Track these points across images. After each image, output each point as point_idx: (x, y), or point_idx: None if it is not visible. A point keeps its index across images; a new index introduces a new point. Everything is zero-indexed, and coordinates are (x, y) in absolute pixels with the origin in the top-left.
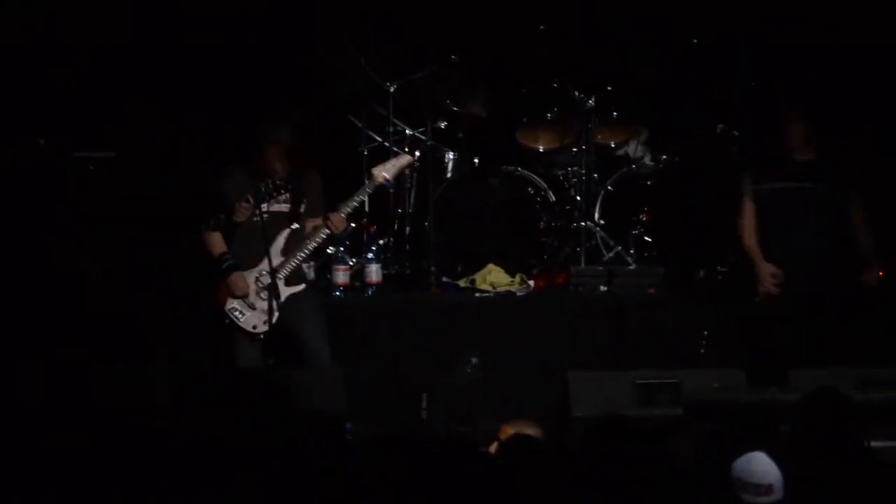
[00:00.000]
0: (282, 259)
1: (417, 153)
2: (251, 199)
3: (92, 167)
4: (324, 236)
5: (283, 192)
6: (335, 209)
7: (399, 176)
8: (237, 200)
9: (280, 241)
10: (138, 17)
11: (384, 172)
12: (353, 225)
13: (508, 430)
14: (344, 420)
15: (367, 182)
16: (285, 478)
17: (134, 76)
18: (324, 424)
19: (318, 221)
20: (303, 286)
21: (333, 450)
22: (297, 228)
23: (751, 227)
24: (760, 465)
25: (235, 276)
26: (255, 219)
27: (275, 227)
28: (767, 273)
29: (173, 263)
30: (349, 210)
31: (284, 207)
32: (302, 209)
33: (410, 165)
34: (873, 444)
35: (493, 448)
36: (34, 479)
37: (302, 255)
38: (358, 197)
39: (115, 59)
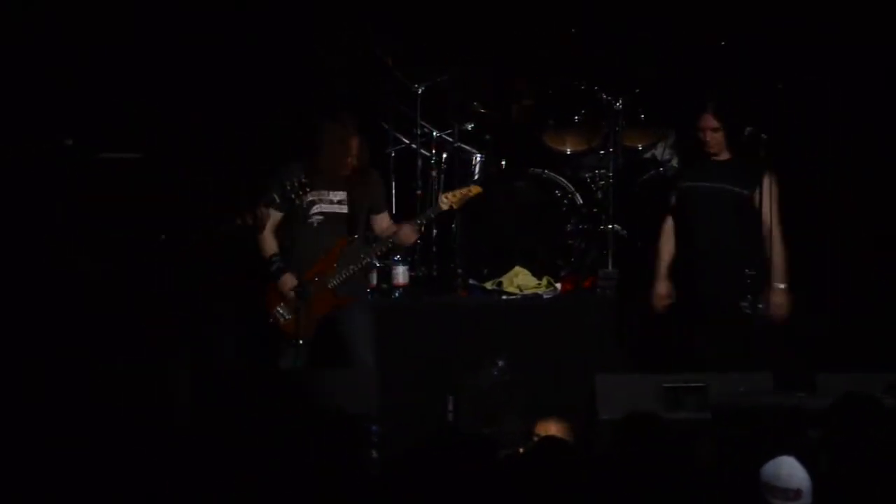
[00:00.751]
0: (334, 268)
1: (444, 155)
2: (276, 199)
3: (119, 168)
4: (383, 250)
5: (309, 189)
6: (410, 221)
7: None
8: (259, 203)
9: (334, 251)
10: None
11: (452, 201)
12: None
13: (547, 427)
14: (371, 422)
15: (432, 206)
16: (307, 479)
17: (167, 77)
18: (350, 426)
19: (387, 221)
20: (352, 300)
21: (360, 452)
22: (353, 240)
23: (667, 230)
24: (789, 470)
25: (286, 278)
26: (308, 220)
27: (330, 231)
28: (660, 292)
29: (200, 264)
30: (421, 224)
31: (342, 209)
32: (362, 211)
33: (478, 196)
34: None
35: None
36: (47, 479)
37: (353, 267)
38: (429, 213)
39: (146, 59)
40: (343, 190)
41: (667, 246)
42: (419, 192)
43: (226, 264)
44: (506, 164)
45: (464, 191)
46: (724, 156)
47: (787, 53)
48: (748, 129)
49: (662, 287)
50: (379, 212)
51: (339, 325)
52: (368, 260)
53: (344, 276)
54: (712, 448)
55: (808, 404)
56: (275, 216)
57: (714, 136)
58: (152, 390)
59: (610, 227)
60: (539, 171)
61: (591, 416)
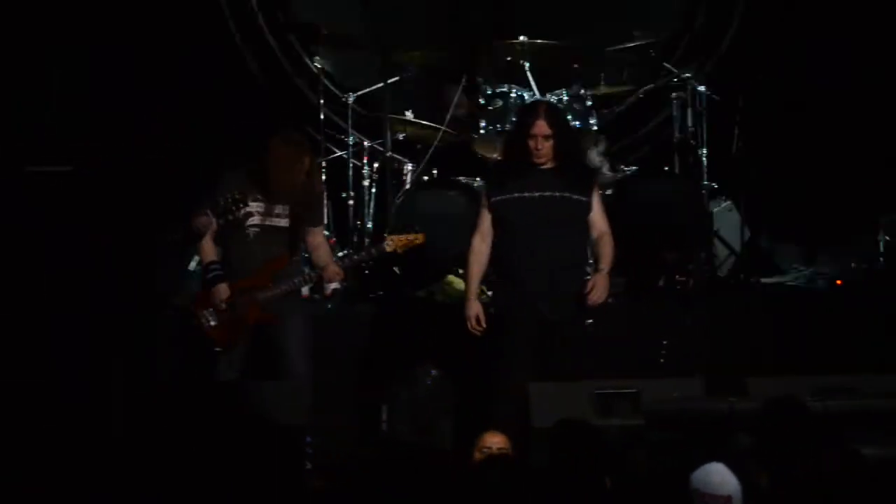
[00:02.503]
0: (269, 285)
1: (376, 164)
2: (209, 213)
3: (48, 181)
4: (312, 282)
5: (243, 206)
6: (339, 261)
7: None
8: (195, 214)
9: (271, 266)
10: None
11: (396, 245)
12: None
13: (491, 440)
14: (305, 433)
15: (376, 246)
16: (242, 491)
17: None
18: (284, 438)
19: (321, 237)
20: (275, 318)
21: (294, 463)
22: (294, 261)
23: (477, 250)
24: (719, 477)
25: (221, 288)
26: (245, 231)
27: (269, 244)
28: (472, 314)
29: (134, 273)
30: (349, 266)
31: (282, 222)
32: (302, 225)
33: (421, 245)
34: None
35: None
36: None
37: (285, 287)
38: (362, 256)
39: (79, 69)
40: (285, 203)
41: (477, 266)
42: (351, 202)
43: (163, 273)
44: (437, 173)
45: (410, 237)
46: (551, 164)
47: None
48: (678, 134)
49: (474, 308)
50: (315, 226)
51: (275, 333)
52: (302, 285)
53: (276, 293)
54: (645, 454)
55: (739, 409)
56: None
57: (546, 144)
58: (87, 403)
59: None
60: (470, 179)
61: (525, 425)
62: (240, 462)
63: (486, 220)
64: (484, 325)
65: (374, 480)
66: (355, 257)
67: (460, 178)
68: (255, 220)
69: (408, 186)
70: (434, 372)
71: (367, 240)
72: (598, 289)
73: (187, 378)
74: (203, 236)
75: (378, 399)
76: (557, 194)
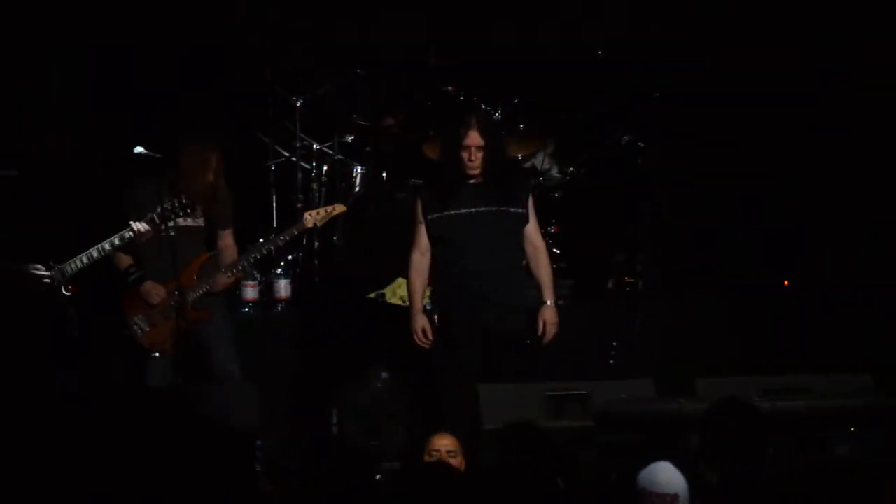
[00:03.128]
0: (195, 282)
1: (325, 167)
2: (156, 219)
3: None
4: (234, 269)
5: (189, 210)
6: (257, 240)
7: (328, 223)
8: (139, 219)
9: (194, 262)
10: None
11: (316, 219)
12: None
13: (440, 442)
14: (255, 437)
15: (296, 224)
16: (196, 496)
17: (33, 90)
18: (234, 442)
19: (230, 239)
20: (207, 314)
21: (244, 467)
22: (213, 254)
23: (418, 265)
24: (665, 475)
25: (149, 285)
26: (162, 234)
27: (187, 246)
28: (418, 327)
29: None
30: (269, 249)
31: (198, 222)
32: (215, 225)
33: (342, 215)
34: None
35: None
36: None
37: (212, 281)
38: (283, 237)
39: (18, 75)
40: (198, 203)
41: (419, 281)
42: (300, 204)
43: (104, 280)
44: (387, 176)
45: (328, 209)
46: (483, 177)
47: (663, 63)
48: (626, 137)
49: (420, 321)
50: (224, 228)
51: (201, 339)
52: (223, 278)
53: (203, 289)
54: (595, 455)
55: (688, 409)
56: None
57: (478, 156)
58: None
59: None
60: (419, 181)
61: (476, 426)
62: (190, 466)
63: (422, 235)
64: (430, 338)
65: (323, 484)
66: (279, 238)
67: (410, 179)
68: (171, 222)
69: (357, 189)
70: (384, 374)
71: (316, 244)
72: (551, 327)
73: (126, 385)
74: (151, 244)
75: (328, 402)
76: (493, 209)
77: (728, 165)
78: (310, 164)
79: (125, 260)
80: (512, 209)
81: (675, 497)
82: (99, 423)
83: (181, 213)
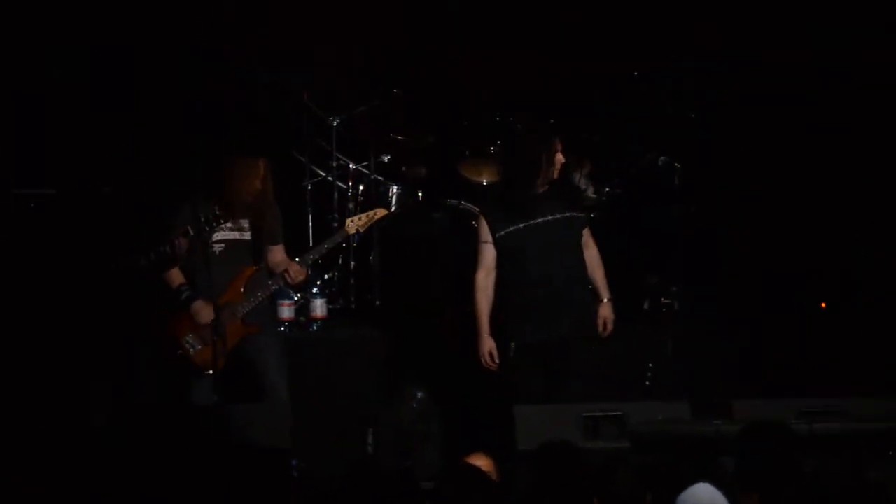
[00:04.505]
0: (242, 297)
1: (361, 187)
2: (191, 232)
3: (32, 204)
4: (281, 283)
5: (223, 221)
6: (300, 258)
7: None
8: (176, 234)
9: (241, 277)
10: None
11: (358, 224)
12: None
13: (475, 462)
14: (290, 456)
15: (339, 231)
16: None
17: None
18: (270, 461)
19: (282, 255)
20: (259, 328)
21: (279, 486)
22: (259, 269)
23: (484, 285)
24: (707, 496)
25: (199, 304)
26: (210, 250)
27: (234, 261)
28: (486, 350)
29: (119, 296)
30: (312, 259)
31: (245, 236)
32: (264, 239)
33: (384, 218)
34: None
35: None
36: None
37: (261, 294)
38: (327, 245)
39: (55, 93)
40: (245, 217)
41: (485, 301)
42: (336, 224)
43: (143, 296)
44: (422, 196)
45: (370, 213)
46: (544, 188)
47: (700, 83)
48: (662, 158)
49: (488, 343)
50: (274, 244)
51: (249, 355)
52: (276, 287)
53: (252, 303)
54: (631, 477)
55: (724, 431)
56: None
57: (562, 164)
58: (69, 427)
59: None
60: (455, 202)
61: (510, 448)
62: (226, 486)
63: (489, 254)
64: (497, 361)
65: (358, 503)
66: (323, 246)
67: (446, 199)
68: (219, 236)
69: (393, 209)
70: (420, 395)
71: (352, 263)
72: (610, 323)
73: (166, 403)
74: (178, 260)
75: (364, 422)
76: (560, 216)
77: (764, 186)
78: (346, 183)
79: (177, 278)
80: (574, 214)
81: None
82: (137, 441)
83: (215, 224)
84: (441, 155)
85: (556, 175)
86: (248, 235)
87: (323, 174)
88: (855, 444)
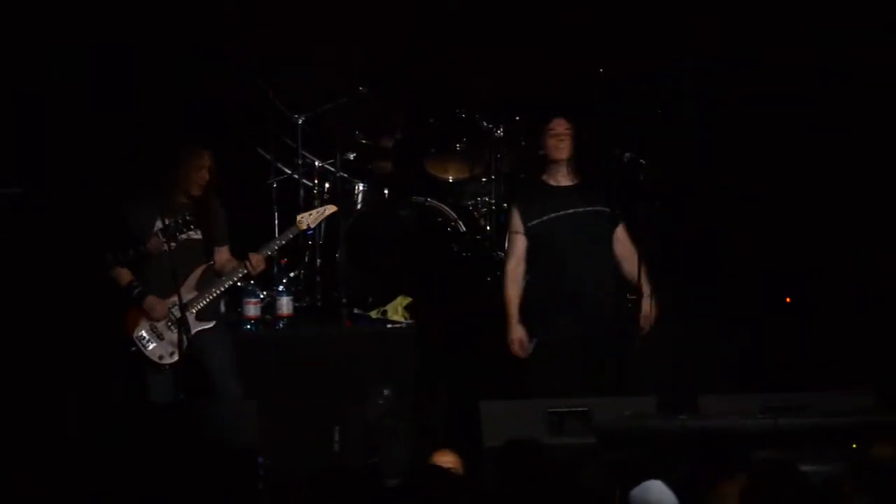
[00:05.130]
0: (195, 293)
1: (327, 185)
2: (160, 235)
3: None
4: (240, 274)
5: (192, 226)
6: (256, 250)
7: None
8: (146, 234)
9: (194, 273)
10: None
11: (308, 220)
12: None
13: (442, 459)
14: (256, 454)
15: (290, 227)
16: None
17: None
18: (236, 459)
19: (227, 255)
20: (214, 322)
21: (246, 484)
22: (210, 265)
23: (514, 274)
24: (658, 494)
25: (152, 300)
26: (163, 249)
27: (187, 258)
28: (516, 338)
29: (83, 296)
30: (269, 253)
31: (196, 235)
32: (213, 238)
33: (334, 215)
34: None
35: None
36: None
37: (216, 291)
38: (280, 241)
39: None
40: (192, 211)
41: (515, 290)
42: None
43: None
44: (388, 193)
45: (320, 210)
46: (569, 181)
47: (665, 79)
48: (627, 154)
49: (518, 332)
50: (220, 244)
51: (200, 354)
52: (223, 287)
53: (206, 300)
54: (598, 473)
55: (690, 427)
56: None
57: (565, 141)
58: (42, 425)
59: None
60: (422, 199)
61: (476, 444)
62: (192, 483)
63: (520, 244)
64: (527, 349)
65: (325, 500)
66: (276, 242)
67: (412, 197)
68: (167, 222)
69: (359, 207)
70: (386, 392)
71: (318, 261)
72: (650, 318)
73: (131, 401)
74: (152, 258)
75: (330, 419)
76: (588, 209)
77: (729, 182)
78: (311, 181)
79: (125, 276)
80: (606, 208)
81: None
82: (102, 439)
83: (184, 230)
84: (407, 152)
85: (559, 155)
86: (198, 234)
87: (289, 172)
88: (820, 438)
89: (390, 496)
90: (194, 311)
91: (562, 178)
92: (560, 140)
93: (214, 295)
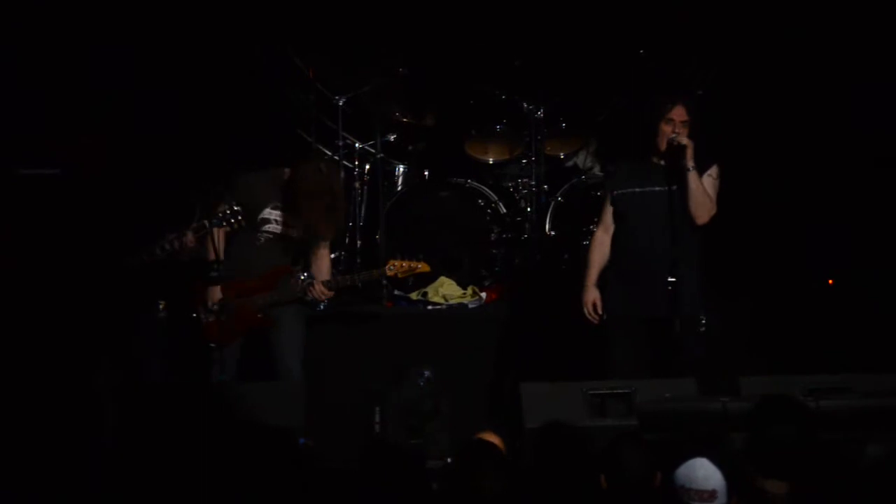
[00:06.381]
0: (265, 294)
1: (367, 166)
2: (206, 226)
3: (39, 184)
4: (301, 294)
5: (239, 217)
6: (330, 280)
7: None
8: (189, 226)
9: (270, 273)
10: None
11: (398, 271)
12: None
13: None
14: (298, 434)
15: (378, 268)
16: (238, 493)
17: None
18: (277, 439)
19: (324, 248)
20: (270, 323)
21: (287, 464)
22: (297, 269)
23: (600, 241)
24: (704, 472)
25: (215, 290)
26: (258, 236)
27: (277, 252)
28: (589, 300)
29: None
30: (342, 286)
31: (294, 234)
32: (312, 239)
33: (423, 272)
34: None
35: None
36: None
37: (279, 299)
38: (359, 279)
39: (64, 72)
40: (235, 219)
41: (598, 255)
42: (352, 206)
43: (152, 277)
44: (429, 175)
45: (413, 264)
46: (663, 159)
47: (704, 61)
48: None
49: (591, 294)
50: (326, 240)
51: (269, 334)
52: (288, 298)
53: (274, 301)
54: (640, 454)
55: (731, 409)
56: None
57: (684, 130)
58: (78, 404)
59: (552, 232)
60: (462, 180)
61: (517, 426)
62: (233, 463)
63: (608, 212)
64: (600, 313)
65: (366, 481)
66: (356, 276)
67: (452, 178)
68: (270, 227)
69: (399, 188)
70: (427, 374)
71: (358, 242)
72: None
73: (180, 379)
74: (186, 254)
75: (371, 401)
76: (668, 189)
77: (773, 162)
78: (352, 163)
79: (213, 254)
80: (672, 190)
81: (713, 493)
82: (147, 416)
83: (232, 220)
84: (447, 134)
85: (663, 145)
86: (296, 234)
87: (329, 153)
88: (863, 420)
89: (432, 477)
90: (257, 307)
91: (656, 158)
92: (673, 128)
93: (284, 299)
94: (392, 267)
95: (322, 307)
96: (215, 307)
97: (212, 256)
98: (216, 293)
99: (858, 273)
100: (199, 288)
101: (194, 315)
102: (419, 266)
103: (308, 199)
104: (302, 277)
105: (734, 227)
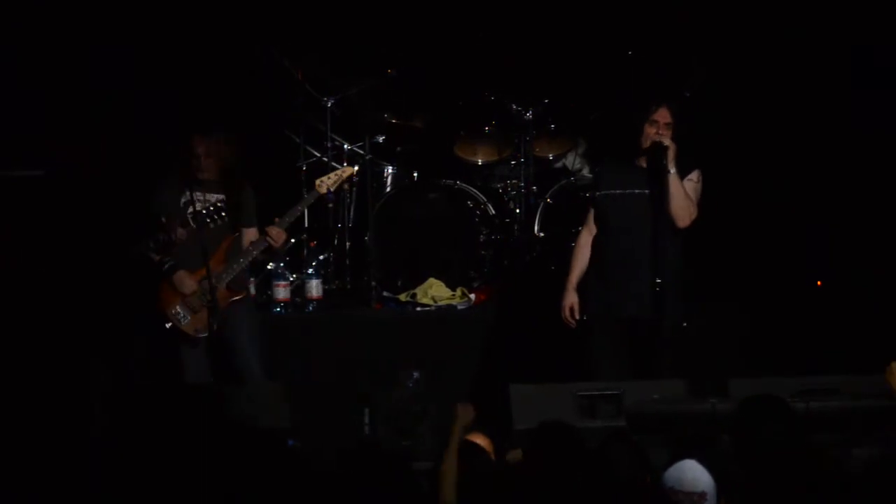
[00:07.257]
0: (223, 265)
1: (356, 167)
2: (191, 221)
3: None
4: (262, 247)
5: (223, 213)
6: (274, 222)
7: (340, 188)
8: (174, 221)
9: (221, 247)
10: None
11: (328, 184)
12: (292, 240)
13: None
14: (286, 436)
15: (307, 193)
16: (229, 495)
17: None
18: (266, 440)
19: (255, 234)
20: (243, 293)
21: (276, 466)
22: (237, 236)
23: (582, 243)
24: (692, 473)
25: (181, 274)
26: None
27: (215, 233)
28: (567, 304)
29: (108, 280)
30: (289, 222)
31: (214, 200)
32: (238, 218)
33: (351, 177)
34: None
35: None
36: None
37: (243, 261)
38: (298, 208)
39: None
40: (220, 193)
41: (580, 258)
42: (330, 205)
43: (133, 278)
44: (418, 176)
45: (338, 172)
46: (644, 164)
47: (690, 62)
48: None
49: (570, 298)
50: (248, 226)
51: (228, 330)
52: (250, 258)
53: (235, 270)
54: (629, 456)
55: (720, 410)
56: None
57: (667, 133)
58: (64, 407)
59: (541, 234)
60: (451, 182)
61: (506, 427)
62: (221, 464)
63: (592, 215)
64: (577, 317)
65: (355, 482)
66: (297, 208)
67: (441, 180)
68: (197, 208)
69: (388, 190)
70: (416, 375)
71: (347, 244)
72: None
73: (164, 381)
74: (177, 245)
75: (360, 402)
76: (648, 192)
77: (762, 164)
78: (341, 164)
79: (202, 247)
80: (652, 192)
81: (702, 495)
82: (132, 420)
83: (214, 217)
84: (436, 135)
85: (645, 147)
86: (223, 211)
87: (318, 155)
88: (851, 422)
89: (419, 478)
90: (224, 282)
91: (639, 160)
92: (657, 130)
93: (240, 265)
94: (320, 184)
95: (311, 308)
96: (196, 292)
97: (155, 257)
98: (186, 278)
99: (848, 275)
100: (163, 290)
101: (168, 323)
102: (345, 171)
103: (206, 159)
104: (250, 248)
105: (723, 228)
